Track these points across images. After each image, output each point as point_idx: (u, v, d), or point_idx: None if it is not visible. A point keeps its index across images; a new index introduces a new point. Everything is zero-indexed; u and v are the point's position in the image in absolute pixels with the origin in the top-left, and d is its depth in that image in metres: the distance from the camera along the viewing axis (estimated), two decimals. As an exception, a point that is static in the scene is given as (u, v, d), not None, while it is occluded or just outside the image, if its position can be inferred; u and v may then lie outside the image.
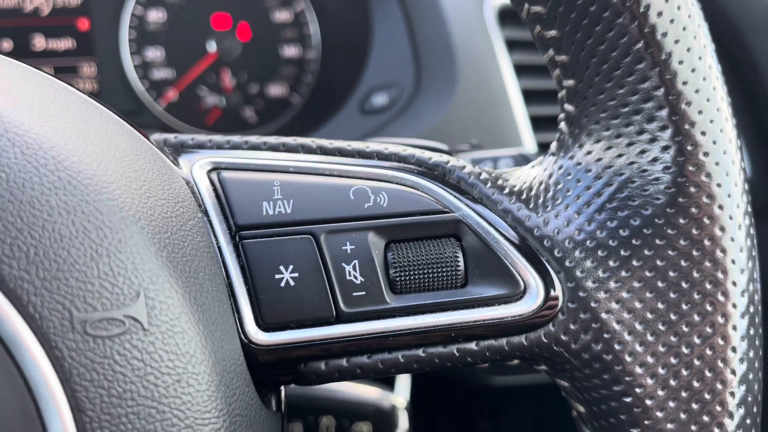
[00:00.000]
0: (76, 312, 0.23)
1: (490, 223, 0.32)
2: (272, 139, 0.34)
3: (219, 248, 0.30)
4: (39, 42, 0.83)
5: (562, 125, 0.34)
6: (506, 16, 0.72)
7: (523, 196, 0.33)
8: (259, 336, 0.29)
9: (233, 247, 0.30)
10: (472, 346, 0.31)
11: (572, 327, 0.31)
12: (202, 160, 0.32)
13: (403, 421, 0.64)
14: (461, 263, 0.31)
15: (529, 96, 0.71)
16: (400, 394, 0.67)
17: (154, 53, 0.86)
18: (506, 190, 0.33)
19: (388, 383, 0.68)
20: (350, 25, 0.82)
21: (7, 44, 0.82)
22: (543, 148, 0.70)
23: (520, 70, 0.71)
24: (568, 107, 0.33)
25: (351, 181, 0.32)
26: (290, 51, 0.89)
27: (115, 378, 0.23)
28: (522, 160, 0.50)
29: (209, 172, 0.32)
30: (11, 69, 0.29)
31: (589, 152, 0.33)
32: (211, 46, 0.86)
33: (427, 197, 0.32)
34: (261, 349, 0.29)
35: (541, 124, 0.71)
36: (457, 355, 0.31)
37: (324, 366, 0.30)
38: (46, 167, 0.24)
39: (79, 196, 0.24)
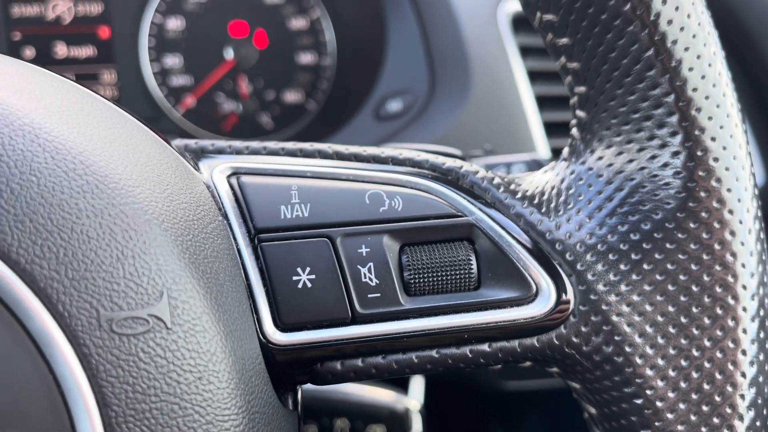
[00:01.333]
0: (103, 311, 0.24)
1: (502, 227, 0.32)
2: (290, 145, 0.35)
3: (238, 251, 0.30)
4: (61, 50, 0.85)
5: (574, 131, 0.35)
6: (520, 23, 0.73)
7: (536, 201, 0.33)
8: (277, 336, 0.30)
9: (252, 249, 0.31)
10: (485, 347, 0.32)
11: (583, 329, 0.32)
12: (222, 165, 0.33)
13: (417, 424, 0.65)
14: (474, 266, 0.32)
15: (543, 102, 0.71)
16: (413, 397, 0.68)
17: (172, 60, 0.87)
18: (518, 195, 0.33)
19: (401, 386, 0.69)
20: (365, 33, 0.83)
21: (30, 52, 0.84)
22: (556, 153, 0.70)
23: (534, 76, 0.71)
24: (580, 113, 0.34)
25: (366, 185, 0.33)
26: (306, 58, 0.91)
27: (139, 375, 0.24)
28: (535, 165, 0.51)
29: (229, 176, 0.33)
30: (40, 77, 0.30)
31: (600, 157, 0.33)
32: (229, 54, 0.88)
33: (440, 201, 0.33)
34: (278, 348, 0.30)
35: (554, 129, 0.71)
36: (470, 356, 0.32)
37: (340, 366, 0.31)
38: (74, 171, 0.25)
39: (106, 200, 0.25)
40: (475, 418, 0.79)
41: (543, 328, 0.32)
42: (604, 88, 0.32)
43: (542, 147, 0.70)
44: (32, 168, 0.24)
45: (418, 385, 0.70)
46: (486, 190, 0.33)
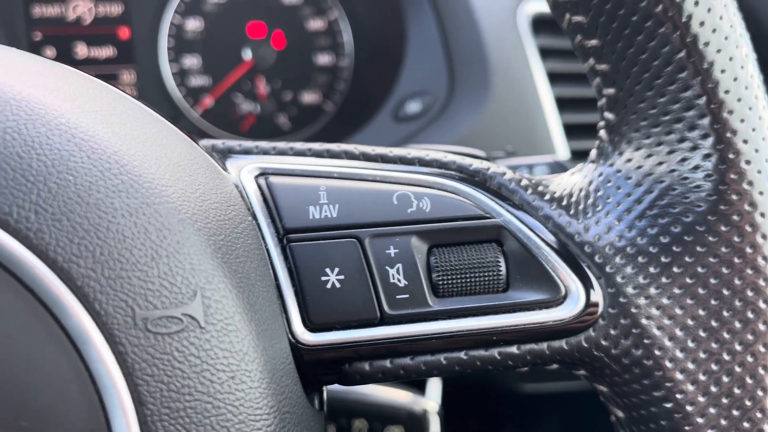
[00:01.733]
0: (138, 309, 0.24)
1: (531, 229, 0.32)
2: (317, 146, 0.35)
3: (267, 250, 0.31)
4: (81, 50, 0.85)
5: (602, 133, 0.35)
6: (539, 24, 0.73)
7: (564, 203, 0.33)
8: (306, 336, 0.30)
9: (281, 249, 0.31)
10: (513, 349, 0.32)
11: (612, 332, 0.31)
12: (250, 165, 0.33)
13: (435, 426, 0.65)
14: (502, 268, 0.32)
15: (562, 104, 0.71)
16: (430, 399, 0.67)
17: (191, 61, 0.88)
18: (546, 197, 0.33)
19: (419, 387, 0.69)
20: (384, 34, 0.83)
21: (51, 52, 0.84)
22: (576, 155, 0.70)
23: (554, 78, 0.71)
24: (608, 115, 0.34)
25: (394, 186, 0.33)
26: (323, 59, 0.91)
27: (174, 373, 0.24)
28: (557, 167, 0.51)
29: (257, 176, 0.33)
30: (72, 76, 0.30)
31: (629, 160, 0.33)
32: (247, 54, 0.88)
33: (468, 203, 0.33)
34: (307, 348, 0.30)
35: (573, 131, 0.71)
36: (498, 358, 0.32)
37: (368, 366, 0.31)
38: (110, 171, 0.25)
39: (141, 199, 0.25)
40: (492, 420, 0.79)
41: (572, 330, 0.32)
42: (634, 90, 0.32)
43: (562, 149, 0.70)
44: (69, 167, 0.25)
45: (435, 386, 0.70)
46: (514, 192, 0.33)
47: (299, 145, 0.35)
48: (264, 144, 0.35)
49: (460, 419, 0.75)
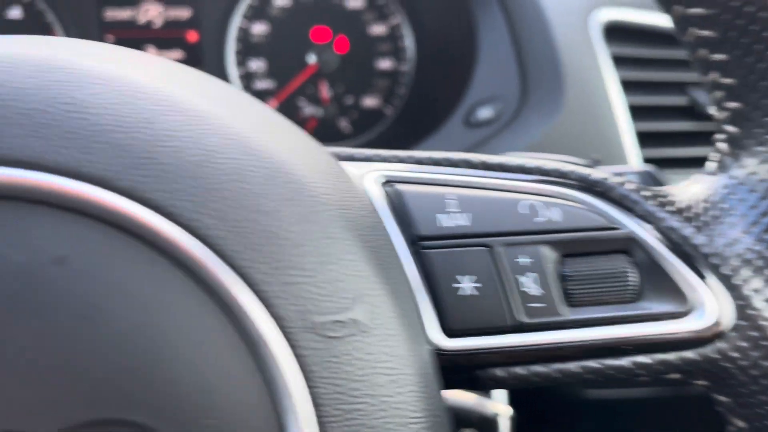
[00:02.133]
0: (311, 314, 0.25)
1: (657, 240, 0.33)
2: (437, 155, 0.35)
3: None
4: (151, 53, 0.87)
5: (722, 145, 0.35)
6: (612, 32, 0.73)
7: (686, 214, 0.34)
8: (443, 341, 0.31)
9: (413, 256, 0.32)
10: (646, 359, 0.32)
11: (741, 344, 0.32)
12: (374, 173, 0.34)
13: (506, 430, 0.65)
14: (632, 279, 0.32)
15: (635, 112, 0.71)
16: (498, 403, 0.68)
17: (257, 64, 0.89)
18: (668, 208, 0.34)
19: (485, 392, 0.69)
20: (451, 40, 0.83)
21: (122, 55, 0.86)
22: (650, 164, 0.70)
23: (626, 86, 0.71)
24: (731, 129, 0.34)
25: (519, 195, 0.33)
26: (384, 63, 0.92)
27: (345, 376, 0.25)
28: (649, 178, 0.51)
29: (383, 184, 0.33)
30: (220, 86, 0.31)
31: (753, 173, 0.33)
32: (311, 59, 0.89)
33: (594, 213, 0.33)
34: (443, 354, 0.31)
35: (646, 140, 0.71)
36: (630, 367, 0.32)
37: (503, 373, 0.32)
38: (279, 179, 0.26)
39: (307, 207, 0.26)
40: (558, 427, 0.79)
41: (701, 341, 0.32)
42: (761, 103, 0.33)
43: (634, 157, 0.70)
44: (244, 176, 0.26)
45: (501, 391, 0.70)
46: (636, 202, 0.34)
47: (418, 154, 0.36)
48: (383, 152, 0.36)
49: (525, 425, 0.75)
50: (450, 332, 0.31)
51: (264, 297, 0.24)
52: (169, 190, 0.24)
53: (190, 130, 0.26)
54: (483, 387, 0.32)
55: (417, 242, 0.32)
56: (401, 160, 0.36)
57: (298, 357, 0.24)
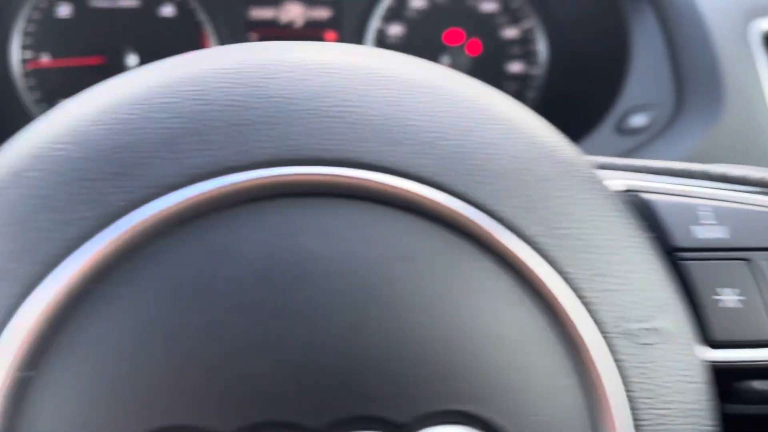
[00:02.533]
0: (626, 321, 0.26)
1: None
2: (677, 165, 0.36)
3: None
4: (291, 52, 0.89)
5: None
6: (773, 42, 0.71)
7: None
8: (707, 353, 0.31)
9: (670, 267, 0.32)
10: None
11: None
12: (616, 182, 0.34)
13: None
14: None
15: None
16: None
17: (392, 65, 0.91)
18: None
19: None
20: (595, 45, 0.83)
21: (263, 53, 0.89)
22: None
23: (788, 96, 0.70)
24: None
25: None
26: (515, 67, 0.92)
27: (656, 383, 0.26)
28: None
29: (626, 193, 0.34)
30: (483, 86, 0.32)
31: None
32: (445, 60, 0.90)
33: None
34: (707, 365, 0.31)
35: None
36: None
37: (763, 386, 0.32)
38: (593, 191, 0.27)
39: (614, 219, 0.27)
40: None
41: None
42: None
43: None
44: (563, 188, 0.26)
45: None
46: None
47: (653, 163, 0.36)
48: (618, 160, 0.36)
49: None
50: (713, 344, 0.31)
51: (586, 302, 0.25)
52: (505, 198, 0.25)
53: (508, 139, 0.27)
54: (742, 400, 0.32)
55: (673, 253, 0.32)
56: (637, 170, 0.36)
57: (617, 362, 0.25)
